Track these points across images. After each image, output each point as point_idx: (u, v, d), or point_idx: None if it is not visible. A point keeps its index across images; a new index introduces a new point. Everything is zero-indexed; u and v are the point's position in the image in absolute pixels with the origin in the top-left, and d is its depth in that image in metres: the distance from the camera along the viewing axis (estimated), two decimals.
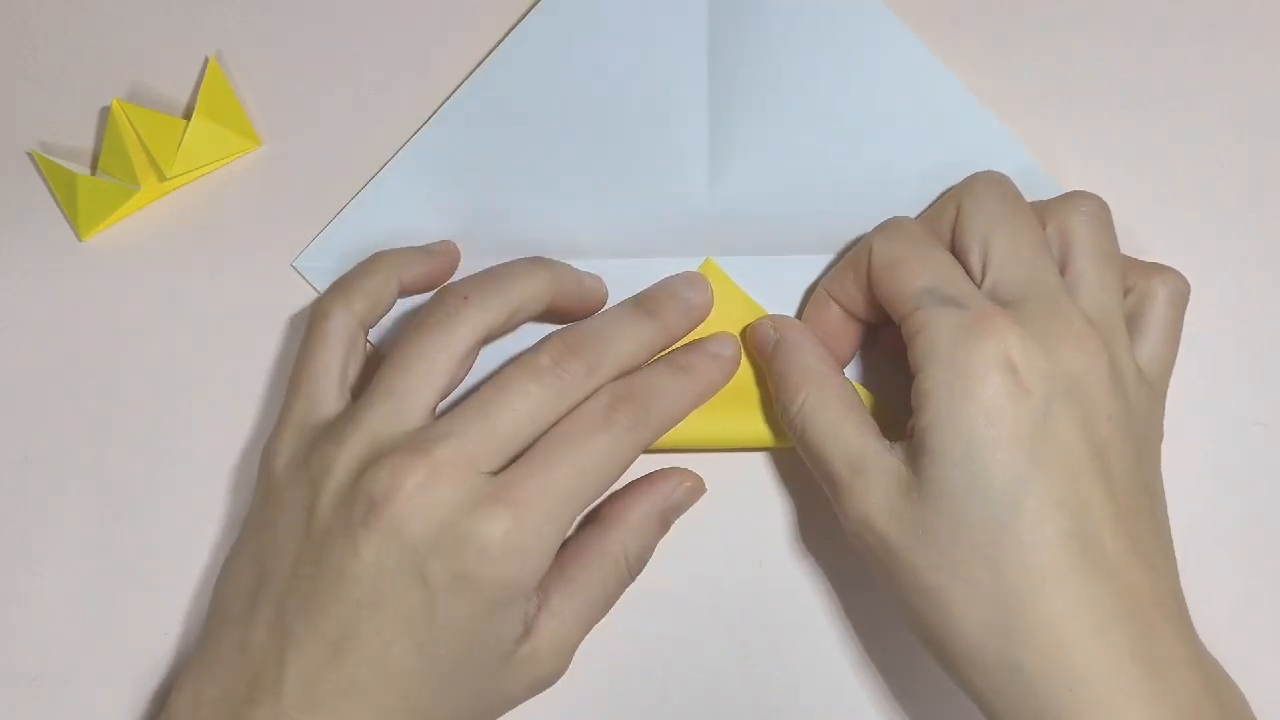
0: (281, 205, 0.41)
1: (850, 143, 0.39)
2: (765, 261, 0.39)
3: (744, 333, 0.39)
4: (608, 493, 0.36)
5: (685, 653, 0.39)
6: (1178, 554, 0.34)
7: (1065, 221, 0.35)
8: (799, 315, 0.39)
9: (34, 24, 0.42)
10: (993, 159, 0.38)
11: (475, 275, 0.37)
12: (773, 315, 0.39)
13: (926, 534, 0.32)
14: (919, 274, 0.34)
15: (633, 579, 0.37)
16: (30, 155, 0.42)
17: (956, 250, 0.36)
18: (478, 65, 0.41)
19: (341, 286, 0.37)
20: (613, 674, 0.39)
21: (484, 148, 0.40)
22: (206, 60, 0.41)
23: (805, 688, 0.39)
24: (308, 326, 0.37)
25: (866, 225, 0.39)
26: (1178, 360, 0.36)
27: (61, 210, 0.41)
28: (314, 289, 0.40)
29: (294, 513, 0.34)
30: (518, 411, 0.34)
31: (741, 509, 0.39)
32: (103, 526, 0.40)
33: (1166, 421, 0.36)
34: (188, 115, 0.41)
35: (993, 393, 0.32)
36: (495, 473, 0.34)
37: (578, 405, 0.35)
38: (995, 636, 0.31)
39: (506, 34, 0.41)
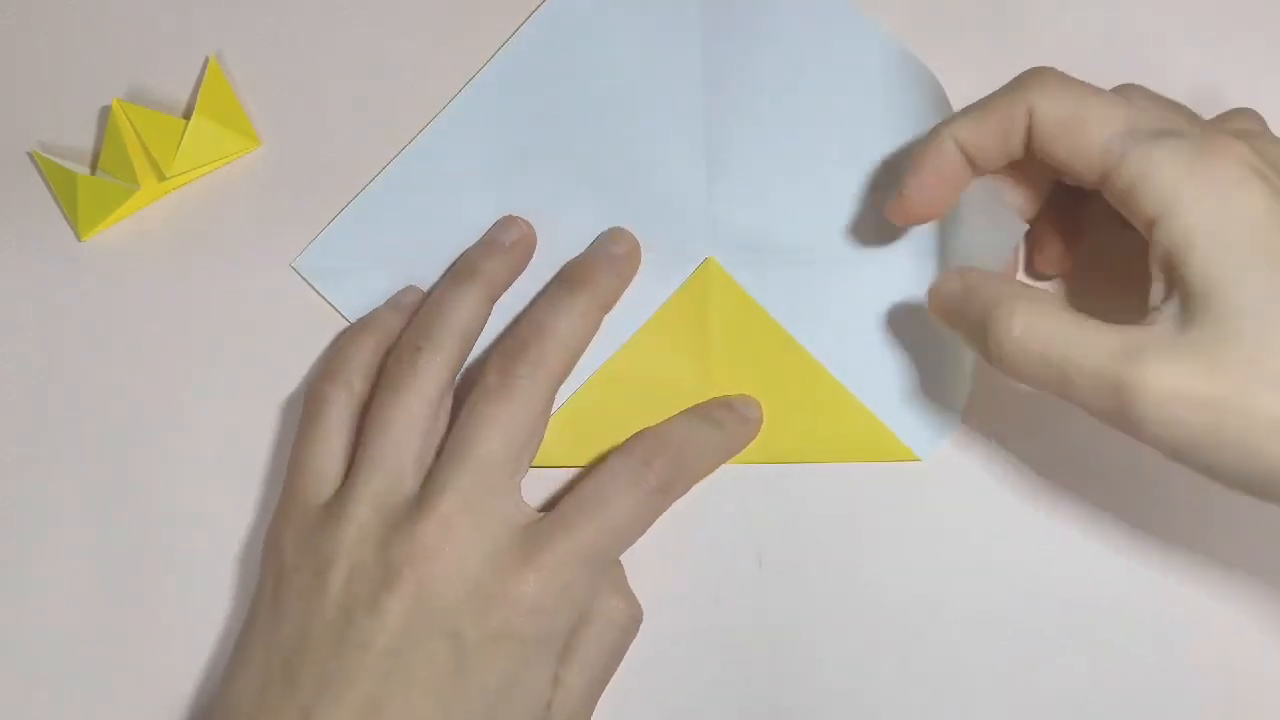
0: (281, 205, 0.41)
1: (841, 142, 0.39)
2: (766, 260, 0.39)
3: (931, 292, 0.35)
4: None
5: (684, 650, 0.39)
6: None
7: None
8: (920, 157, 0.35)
9: (34, 24, 0.42)
10: None
11: (417, 320, 0.37)
12: (955, 271, 0.35)
13: (1240, 372, 0.28)
14: (1108, 120, 0.31)
15: (636, 630, 0.37)
16: (30, 155, 0.42)
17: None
18: (479, 67, 0.41)
19: (339, 366, 0.37)
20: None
21: (483, 152, 0.40)
22: (206, 60, 0.41)
23: (805, 685, 0.39)
24: (306, 409, 0.37)
25: (861, 221, 0.39)
26: None
27: (61, 210, 0.41)
28: (314, 289, 0.40)
29: (305, 599, 0.34)
30: (491, 440, 0.35)
31: (741, 506, 0.39)
32: (102, 527, 0.40)
33: None
34: (188, 115, 0.41)
35: (1258, 201, 0.29)
36: (515, 498, 0.35)
37: (607, 459, 0.36)
38: None
39: (508, 36, 0.41)
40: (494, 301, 0.38)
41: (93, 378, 0.41)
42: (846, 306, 0.39)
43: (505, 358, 0.36)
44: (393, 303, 0.40)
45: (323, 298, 0.40)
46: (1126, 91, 0.34)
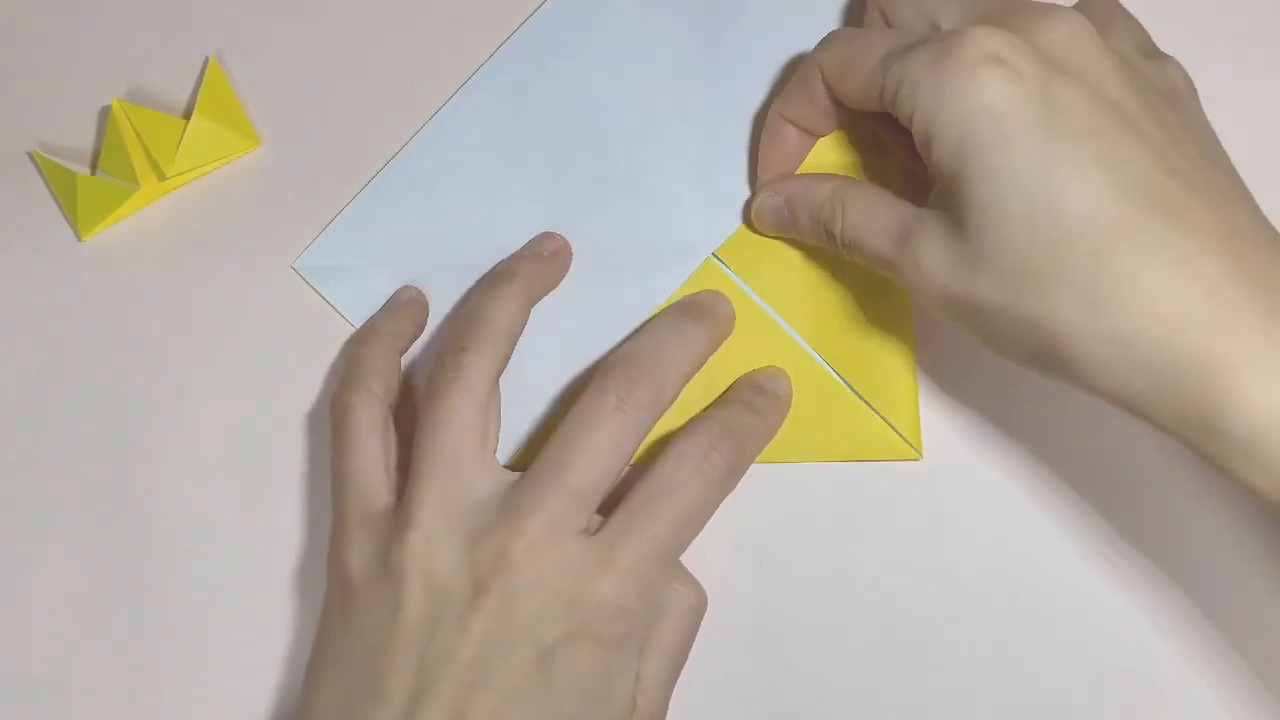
0: (281, 205, 0.41)
1: None
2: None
3: (756, 215, 0.38)
4: None
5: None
6: None
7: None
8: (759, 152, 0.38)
9: (34, 24, 0.42)
10: None
11: (459, 320, 0.37)
12: (766, 187, 0.38)
13: (988, 260, 0.30)
14: (874, 51, 0.33)
15: (704, 614, 0.37)
16: (30, 155, 0.42)
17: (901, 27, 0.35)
18: (478, 66, 0.41)
19: (354, 374, 0.37)
20: None
21: (482, 150, 0.40)
22: (206, 60, 0.41)
23: (805, 685, 0.39)
24: (334, 422, 0.37)
25: None
26: None
27: (61, 210, 0.41)
28: (314, 289, 0.40)
29: (381, 611, 0.34)
30: (594, 465, 0.34)
31: (743, 507, 0.39)
32: (102, 527, 0.40)
33: None
34: (188, 115, 0.41)
35: (987, 89, 0.30)
36: (589, 526, 0.34)
37: (668, 450, 0.35)
38: (1088, 317, 0.29)
39: (507, 36, 0.41)
40: (533, 305, 0.38)
41: (93, 378, 0.41)
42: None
43: (628, 380, 0.35)
44: (390, 305, 0.40)
45: (323, 298, 0.40)
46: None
